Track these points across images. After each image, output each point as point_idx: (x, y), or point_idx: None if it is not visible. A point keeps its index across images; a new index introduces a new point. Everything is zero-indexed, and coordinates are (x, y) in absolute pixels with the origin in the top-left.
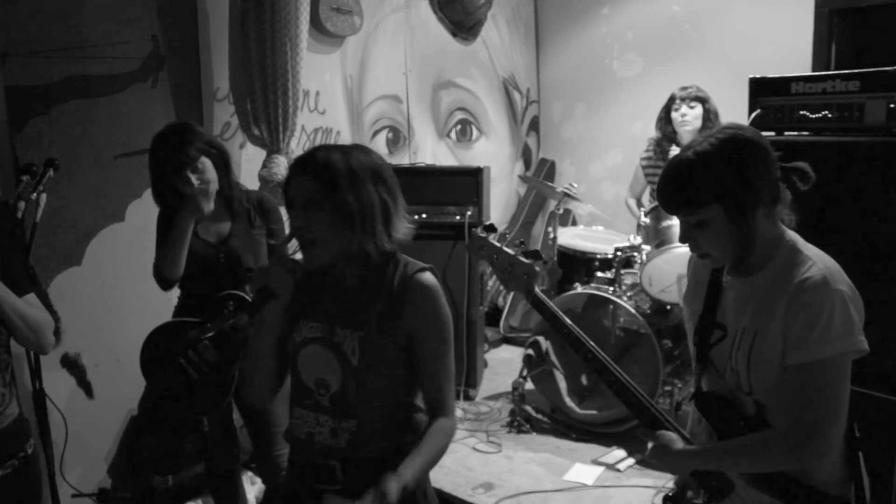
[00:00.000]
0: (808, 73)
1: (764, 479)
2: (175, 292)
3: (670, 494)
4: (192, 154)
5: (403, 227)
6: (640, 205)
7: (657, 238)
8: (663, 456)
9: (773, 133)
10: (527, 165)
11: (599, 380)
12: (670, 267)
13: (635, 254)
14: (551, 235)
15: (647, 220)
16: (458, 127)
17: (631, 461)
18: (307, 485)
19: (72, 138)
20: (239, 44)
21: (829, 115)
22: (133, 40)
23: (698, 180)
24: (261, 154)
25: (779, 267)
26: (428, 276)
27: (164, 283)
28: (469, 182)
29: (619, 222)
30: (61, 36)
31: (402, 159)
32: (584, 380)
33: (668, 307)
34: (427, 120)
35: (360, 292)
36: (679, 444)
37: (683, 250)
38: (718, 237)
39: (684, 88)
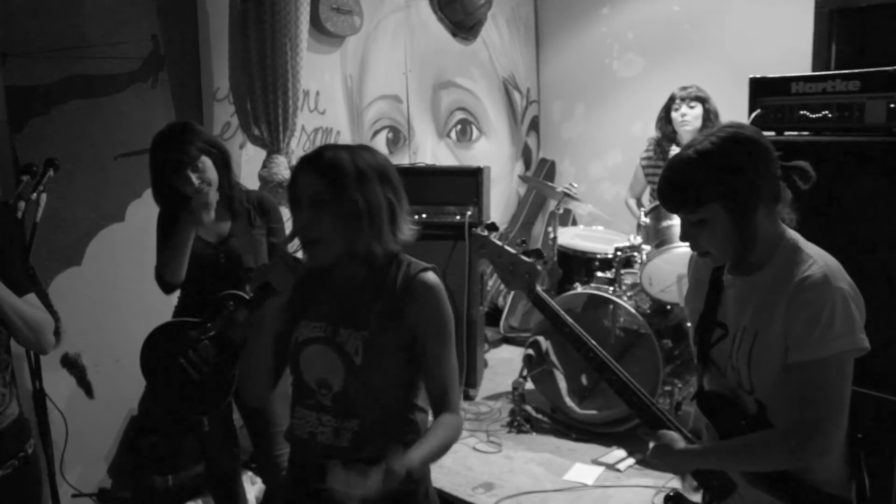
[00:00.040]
0: (808, 73)
1: (765, 478)
2: (175, 292)
3: (671, 494)
4: (193, 153)
5: (408, 228)
6: (640, 205)
7: (657, 238)
8: (665, 455)
9: (773, 133)
10: (527, 165)
11: (601, 378)
12: (670, 267)
13: (635, 254)
14: (551, 235)
15: (647, 220)
16: (458, 127)
17: (631, 461)
18: (308, 484)
19: (72, 138)
20: (239, 44)
21: (830, 115)
22: (133, 40)
23: (699, 179)
24: (261, 154)
25: (779, 265)
26: (431, 276)
27: (166, 288)
28: (469, 182)
29: (619, 222)
30: (61, 36)
31: (402, 159)
32: (584, 380)
33: (669, 307)
34: (427, 120)
35: (363, 292)
36: (681, 443)
37: (683, 250)
38: (719, 236)
39: (684, 88)
